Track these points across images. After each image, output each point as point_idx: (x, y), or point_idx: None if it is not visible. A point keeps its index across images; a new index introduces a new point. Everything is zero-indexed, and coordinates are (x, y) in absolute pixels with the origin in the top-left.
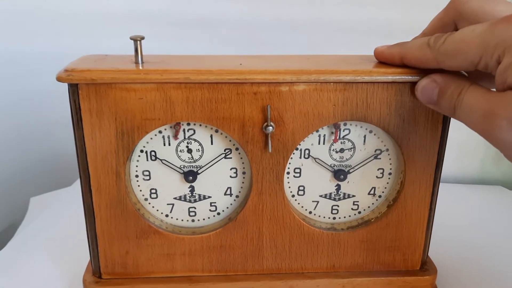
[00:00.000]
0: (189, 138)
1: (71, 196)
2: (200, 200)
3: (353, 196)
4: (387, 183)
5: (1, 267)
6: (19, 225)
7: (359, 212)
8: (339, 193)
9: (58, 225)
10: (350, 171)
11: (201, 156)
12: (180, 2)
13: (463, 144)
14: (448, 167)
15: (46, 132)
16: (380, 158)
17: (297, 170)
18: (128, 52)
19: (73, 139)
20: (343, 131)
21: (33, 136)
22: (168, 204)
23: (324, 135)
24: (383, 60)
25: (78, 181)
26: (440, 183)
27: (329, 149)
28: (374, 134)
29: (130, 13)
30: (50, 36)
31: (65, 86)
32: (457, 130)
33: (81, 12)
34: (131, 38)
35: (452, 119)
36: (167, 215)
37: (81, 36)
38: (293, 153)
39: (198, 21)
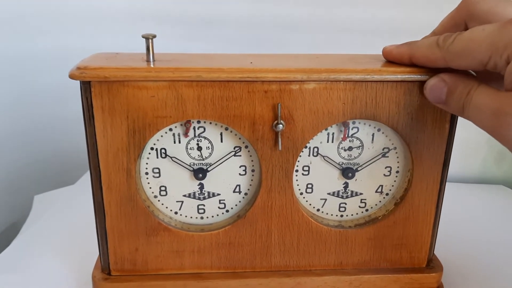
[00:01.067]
0: (199, 135)
1: (75, 194)
2: (209, 197)
3: (361, 194)
4: (395, 181)
5: (7, 265)
6: (23, 223)
7: (367, 210)
8: (346, 191)
9: (63, 223)
10: (358, 169)
11: (210, 154)
12: (184, 1)
13: (465, 143)
14: (450, 166)
15: (50, 130)
16: (388, 157)
17: (306, 168)
18: (133, 50)
19: (77, 137)
20: (352, 129)
21: (37, 134)
22: (177, 201)
23: (333, 133)
24: (392, 59)
25: (82, 179)
26: None
27: (338, 147)
28: (382, 133)
29: (134, 12)
30: (54, 34)
31: (71, 83)
32: (459, 130)
33: (85, 10)
34: (143, 36)
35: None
36: (176, 212)
37: (84, 34)
38: (302, 151)
39: (202, 20)
